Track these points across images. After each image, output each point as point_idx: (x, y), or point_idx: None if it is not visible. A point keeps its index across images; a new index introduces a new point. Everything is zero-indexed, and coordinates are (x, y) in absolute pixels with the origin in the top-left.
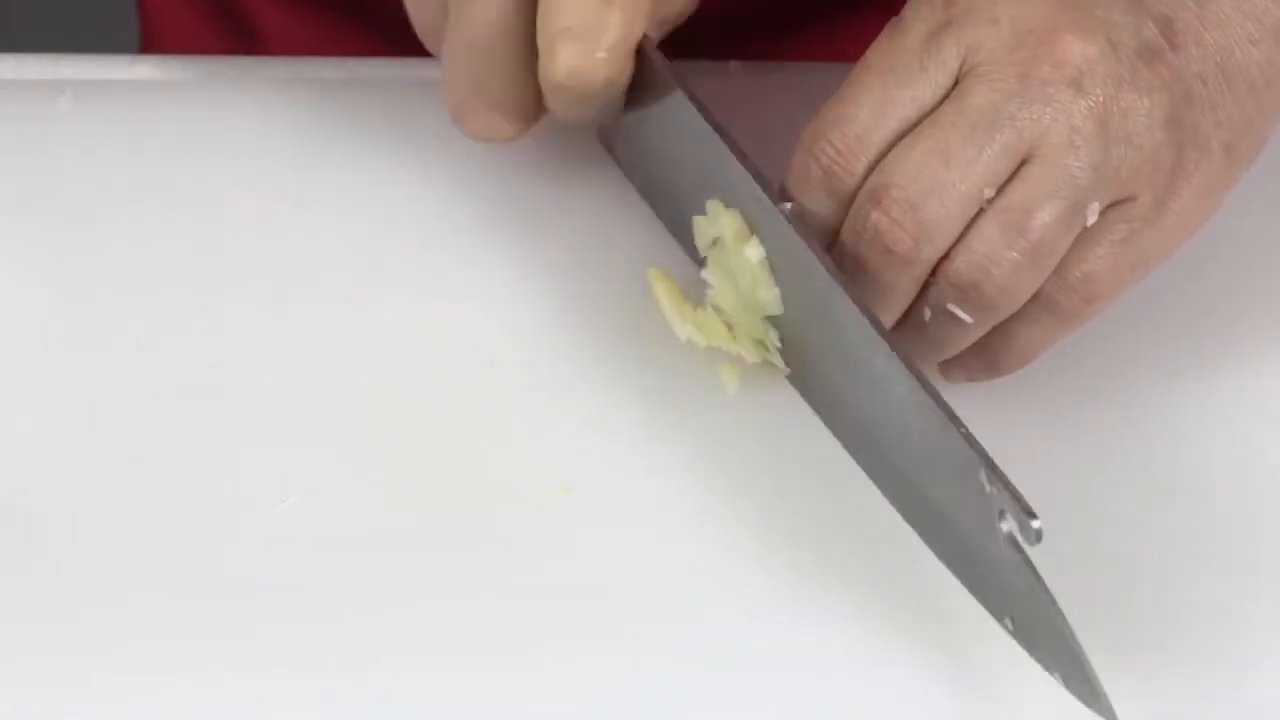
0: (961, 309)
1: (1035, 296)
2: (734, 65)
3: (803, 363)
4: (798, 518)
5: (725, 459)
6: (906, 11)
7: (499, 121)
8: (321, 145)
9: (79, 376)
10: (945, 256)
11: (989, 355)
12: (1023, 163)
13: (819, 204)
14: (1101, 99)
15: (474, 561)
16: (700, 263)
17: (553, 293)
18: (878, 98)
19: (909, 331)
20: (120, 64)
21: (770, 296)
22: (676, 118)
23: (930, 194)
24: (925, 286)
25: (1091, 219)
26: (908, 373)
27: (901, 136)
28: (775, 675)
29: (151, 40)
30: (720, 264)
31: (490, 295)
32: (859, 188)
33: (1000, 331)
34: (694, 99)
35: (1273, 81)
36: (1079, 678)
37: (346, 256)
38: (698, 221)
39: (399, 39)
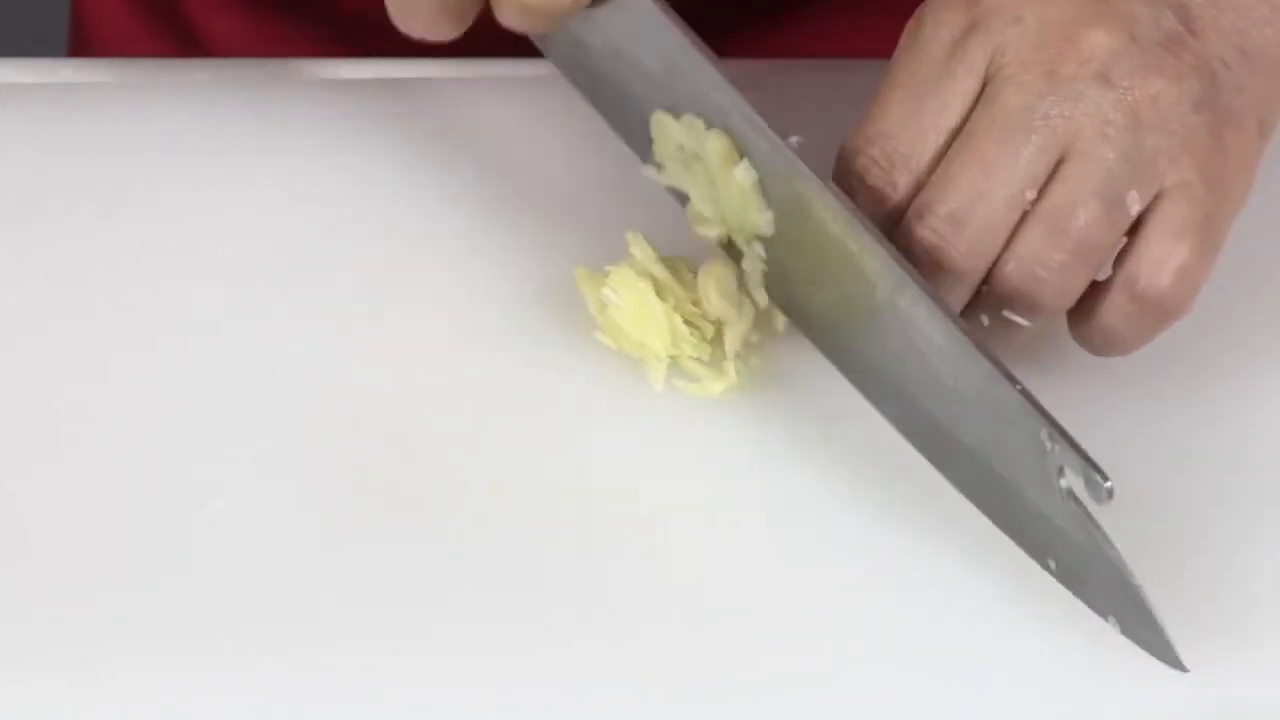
0: (1017, 314)
1: (1139, 300)
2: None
3: (793, 292)
4: (737, 511)
5: (652, 455)
6: (927, 14)
7: (442, 24)
8: (249, 145)
9: (3, 379)
10: (995, 264)
11: (1098, 350)
12: (1060, 161)
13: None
14: (1130, 89)
15: (407, 560)
16: (652, 162)
17: (488, 291)
18: (911, 110)
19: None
20: (40, 68)
21: (763, 219)
22: (648, 33)
23: (974, 205)
24: (978, 294)
25: (1134, 209)
26: (945, 319)
27: (939, 146)
28: (718, 678)
29: (83, 43)
30: (693, 174)
31: (424, 295)
32: (902, 200)
33: (1108, 338)
34: (676, 20)
35: None
36: (1136, 619)
37: (277, 258)
38: (661, 123)
39: (346, 40)
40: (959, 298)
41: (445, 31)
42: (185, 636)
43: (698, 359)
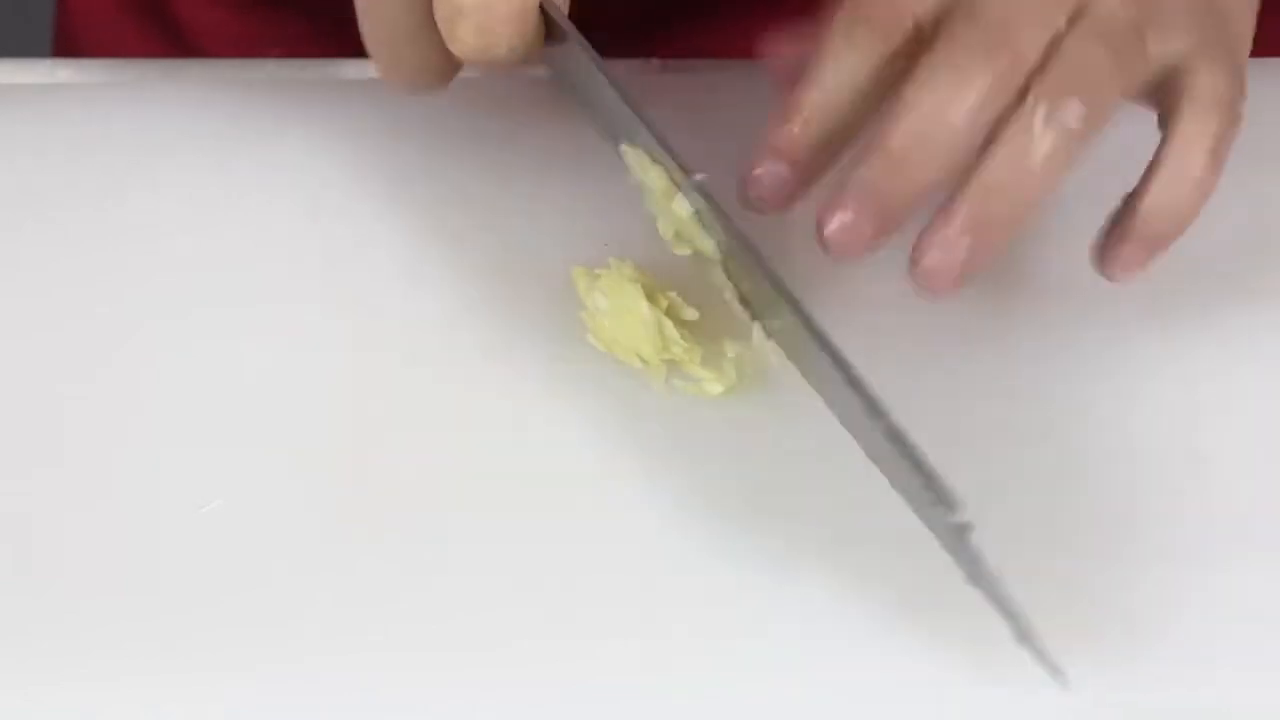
0: (1070, 112)
1: (1191, 166)
2: (655, 63)
3: (756, 308)
4: (721, 510)
5: (651, 454)
6: None
7: (427, 81)
8: (244, 146)
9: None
10: (1040, 69)
11: (1151, 236)
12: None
13: (859, 64)
14: None
15: (406, 560)
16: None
17: (485, 286)
18: None
19: (1017, 144)
20: (35, 69)
21: (708, 245)
22: (584, 74)
23: (1016, 13)
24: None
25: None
26: (832, 352)
27: None
28: (694, 671)
29: (68, 37)
30: (652, 202)
31: (422, 295)
32: (905, 40)
33: (1162, 214)
34: (597, 63)
35: None
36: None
37: (273, 259)
38: (626, 153)
39: (334, 34)
40: (998, 104)
41: (432, 85)
42: (185, 637)
43: (691, 361)
